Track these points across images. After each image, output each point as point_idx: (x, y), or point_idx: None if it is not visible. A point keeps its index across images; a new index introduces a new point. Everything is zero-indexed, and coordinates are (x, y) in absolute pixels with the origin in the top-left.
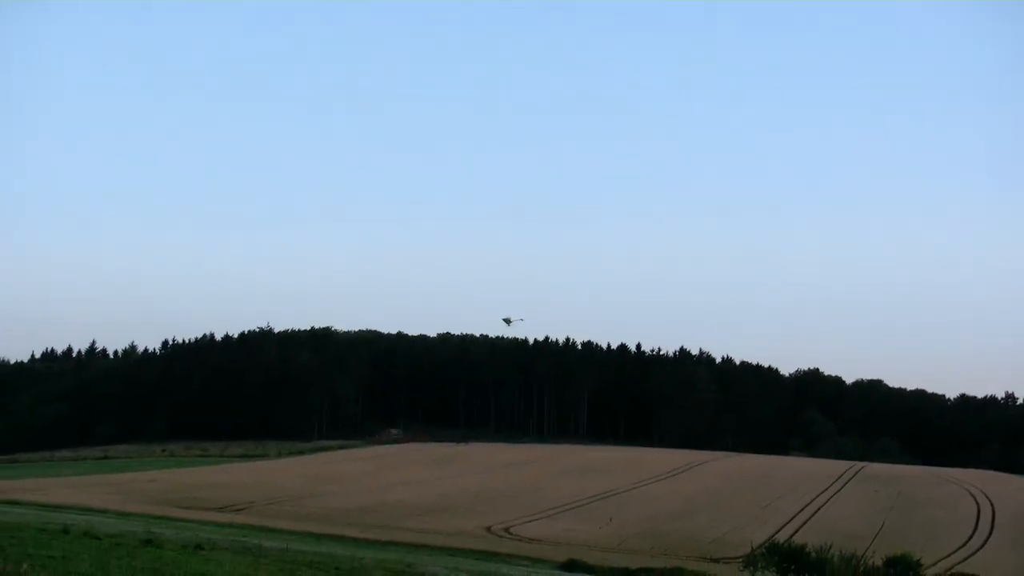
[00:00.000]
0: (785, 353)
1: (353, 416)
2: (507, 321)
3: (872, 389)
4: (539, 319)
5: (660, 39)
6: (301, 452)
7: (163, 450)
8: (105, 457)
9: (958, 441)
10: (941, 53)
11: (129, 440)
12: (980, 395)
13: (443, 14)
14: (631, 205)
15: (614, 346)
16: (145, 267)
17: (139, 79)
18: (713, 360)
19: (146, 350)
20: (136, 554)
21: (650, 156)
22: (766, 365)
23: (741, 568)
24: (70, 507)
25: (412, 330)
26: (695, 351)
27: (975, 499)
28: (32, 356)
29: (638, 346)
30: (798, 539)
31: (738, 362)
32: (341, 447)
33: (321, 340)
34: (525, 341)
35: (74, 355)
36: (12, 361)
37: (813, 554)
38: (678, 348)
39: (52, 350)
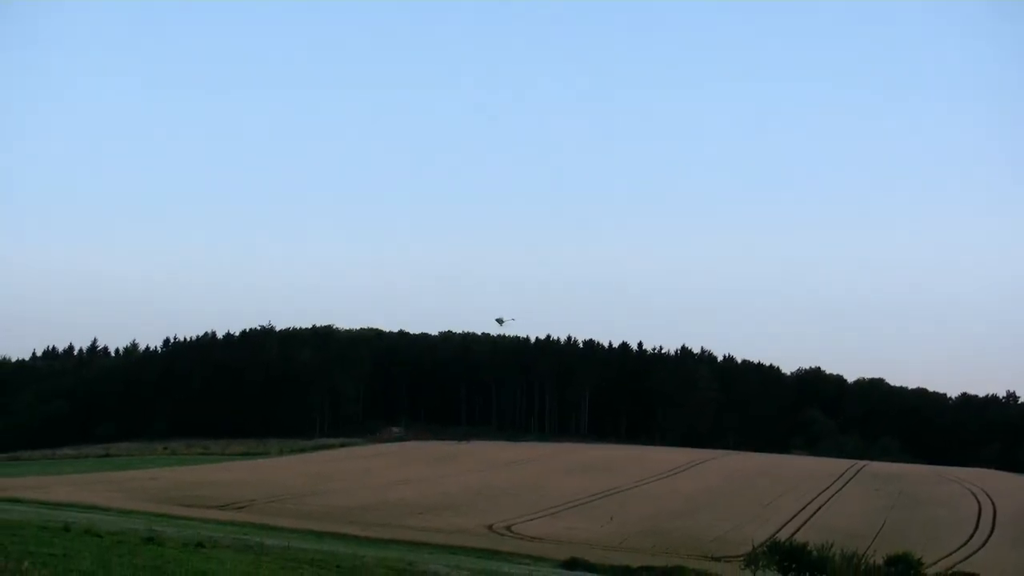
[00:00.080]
0: (786, 352)
1: (354, 414)
2: (499, 321)
3: (873, 388)
4: (540, 318)
5: (661, 39)
6: (302, 450)
7: (164, 448)
8: (106, 455)
9: (959, 440)
10: (941, 53)
11: (130, 438)
12: (981, 394)
13: (443, 14)
14: (633, 204)
15: (616, 344)
16: (146, 265)
17: (140, 78)
18: (715, 359)
19: (147, 348)
20: (137, 552)
21: (652, 156)
22: (767, 364)
23: (742, 567)
24: (71, 505)
25: (413, 328)
26: (697, 350)
27: (976, 498)
28: (33, 354)
29: (640, 345)
30: (799, 538)
31: (739, 361)
32: (342, 445)
33: (322, 338)
34: (527, 340)
35: (75, 353)
36: (13, 359)
37: (814, 553)
38: (680, 347)
39: (53, 348)
